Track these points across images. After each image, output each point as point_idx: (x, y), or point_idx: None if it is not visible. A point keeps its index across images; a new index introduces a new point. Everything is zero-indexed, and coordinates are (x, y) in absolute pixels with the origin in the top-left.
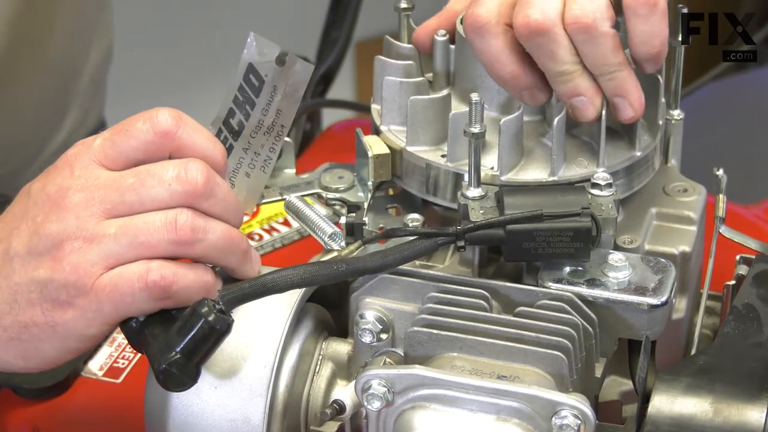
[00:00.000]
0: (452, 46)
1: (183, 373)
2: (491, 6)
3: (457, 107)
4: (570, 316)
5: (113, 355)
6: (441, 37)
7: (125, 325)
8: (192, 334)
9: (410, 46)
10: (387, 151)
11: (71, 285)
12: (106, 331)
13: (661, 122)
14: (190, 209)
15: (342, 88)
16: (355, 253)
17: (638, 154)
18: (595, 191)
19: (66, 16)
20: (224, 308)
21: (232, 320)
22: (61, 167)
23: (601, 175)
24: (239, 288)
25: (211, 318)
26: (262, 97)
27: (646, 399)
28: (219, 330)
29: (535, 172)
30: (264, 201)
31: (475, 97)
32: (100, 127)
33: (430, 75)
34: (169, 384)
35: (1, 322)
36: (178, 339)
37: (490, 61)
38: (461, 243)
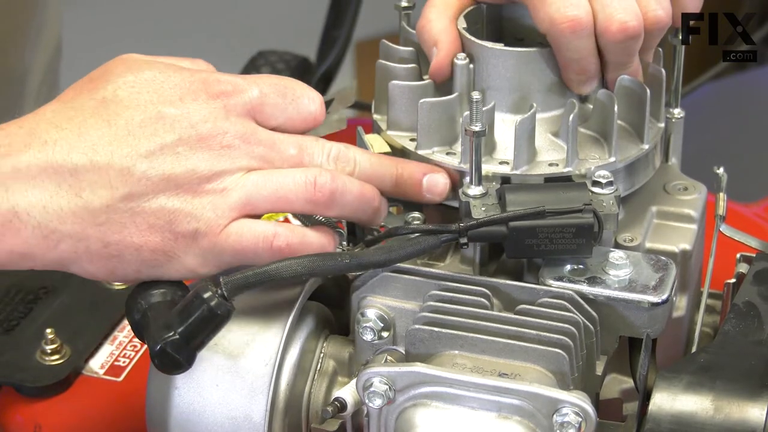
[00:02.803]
0: (471, 65)
1: (179, 355)
2: (582, 3)
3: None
4: (571, 314)
5: (114, 354)
6: (462, 61)
7: (129, 314)
8: (193, 317)
9: (410, 49)
10: (388, 149)
11: (204, 221)
12: (215, 272)
13: (652, 131)
14: (331, 170)
15: (342, 87)
16: None
17: (646, 147)
18: (595, 189)
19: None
20: (226, 295)
21: (233, 307)
22: (205, 101)
23: (602, 173)
24: (243, 276)
25: (213, 303)
26: None
27: (646, 397)
28: (220, 315)
29: (548, 167)
30: None
31: (475, 95)
32: None
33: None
34: (165, 365)
35: (105, 238)
36: (177, 321)
37: (580, 58)
38: (464, 240)
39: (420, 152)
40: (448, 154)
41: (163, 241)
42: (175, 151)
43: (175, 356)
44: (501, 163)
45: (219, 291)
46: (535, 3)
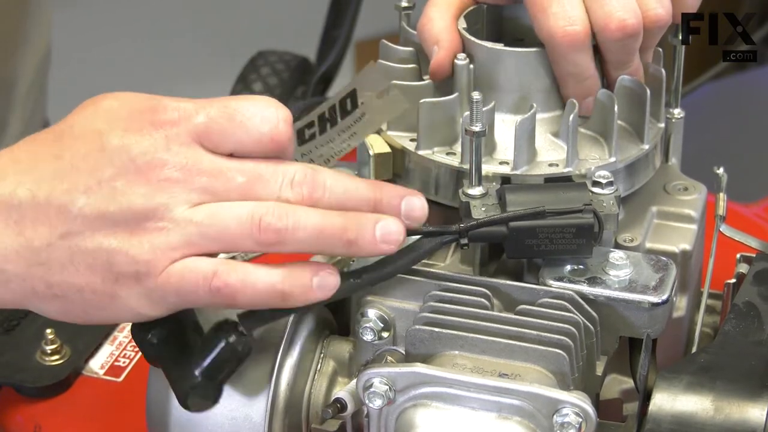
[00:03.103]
0: (471, 66)
1: (205, 396)
2: (580, 17)
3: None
4: (571, 314)
5: (114, 354)
6: (462, 61)
7: (143, 341)
8: (213, 356)
9: (410, 49)
10: (388, 149)
11: (143, 263)
12: (166, 314)
13: (652, 132)
14: (283, 204)
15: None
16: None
17: (646, 147)
18: (596, 189)
19: None
20: (245, 331)
21: (253, 341)
22: (148, 132)
23: (602, 174)
24: (260, 314)
25: (232, 340)
26: (347, 120)
27: (647, 397)
28: (241, 353)
29: (548, 167)
30: None
31: (476, 96)
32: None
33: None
34: (192, 407)
35: (47, 278)
36: (199, 361)
37: (582, 73)
38: (464, 240)
39: (420, 152)
40: (448, 154)
41: (104, 282)
42: (113, 186)
43: (202, 398)
44: (501, 163)
45: (238, 327)
46: (535, 13)
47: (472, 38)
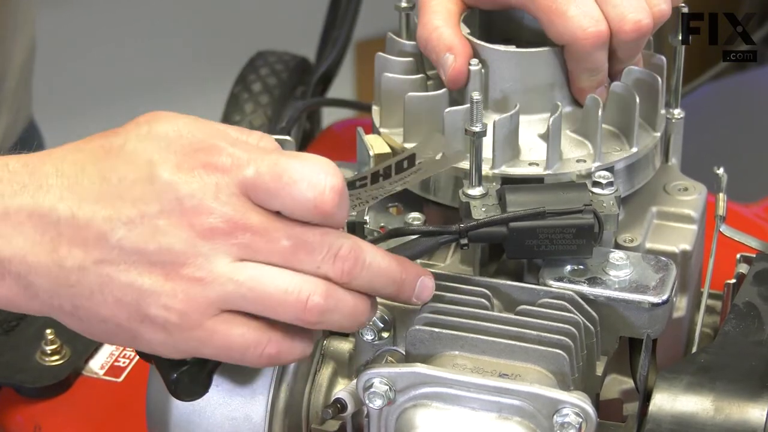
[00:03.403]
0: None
1: (195, 383)
2: (601, 17)
3: (489, 116)
4: (571, 315)
5: (114, 354)
6: (476, 66)
7: None
8: None
9: (409, 59)
10: (388, 150)
11: (175, 313)
12: (186, 357)
13: (662, 120)
14: (326, 283)
15: (342, 87)
16: None
17: (657, 134)
18: (596, 189)
19: None
20: None
21: None
22: (200, 174)
23: (602, 174)
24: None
25: None
26: (402, 174)
27: (647, 397)
28: None
29: (576, 164)
30: None
31: (475, 96)
32: (29, 125)
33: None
34: (181, 394)
35: (74, 300)
36: None
37: (598, 67)
38: (464, 241)
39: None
40: None
41: (129, 320)
42: (155, 223)
43: (191, 385)
44: (530, 164)
45: None
46: (552, 18)
47: (482, 43)
